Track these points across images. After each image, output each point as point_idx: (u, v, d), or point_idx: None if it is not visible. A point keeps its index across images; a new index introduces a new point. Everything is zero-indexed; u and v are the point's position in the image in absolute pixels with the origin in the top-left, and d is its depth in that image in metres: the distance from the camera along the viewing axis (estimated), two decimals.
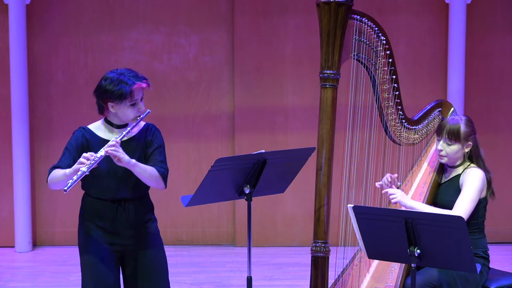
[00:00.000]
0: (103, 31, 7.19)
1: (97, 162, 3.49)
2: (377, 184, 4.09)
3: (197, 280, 6.13)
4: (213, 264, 6.64)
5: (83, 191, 3.81)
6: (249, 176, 3.55)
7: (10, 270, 6.53)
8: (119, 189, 3.67)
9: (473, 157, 4.01)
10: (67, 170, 3.53)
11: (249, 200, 3.61)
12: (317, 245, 3.71)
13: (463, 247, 3.15)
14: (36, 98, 7.19)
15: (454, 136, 3.95)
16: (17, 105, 6.98)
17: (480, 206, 3.95)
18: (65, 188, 3.43)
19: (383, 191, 4.01)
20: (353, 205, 3.33)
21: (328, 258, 3.74)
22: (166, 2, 7.20)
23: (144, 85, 3.66)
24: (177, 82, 7.25)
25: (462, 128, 3.96)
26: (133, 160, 3.57)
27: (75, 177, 3.44)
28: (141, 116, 3.67)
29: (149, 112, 3.69)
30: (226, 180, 3.50)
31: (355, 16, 3.76)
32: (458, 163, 4.03)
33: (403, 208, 4.03)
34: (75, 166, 3.49)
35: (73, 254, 6.98)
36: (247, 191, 3.57)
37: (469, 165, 4.00)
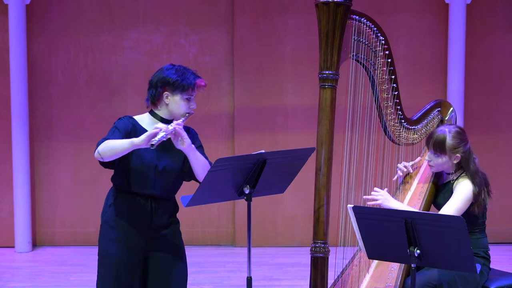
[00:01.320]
0: (103, 31, 7.20)
1: (168, 134, 3.49)
2: (394, 178, 4.14)
3: (197, 280, 6.13)
4: (213, 264, 6.64)
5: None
6: (249, 176, 3.54)
7: (10, 270, 6.53)
8: (157, 184, 3.66)
9: (464, 168, 3.98)
10: (135, 139, 3.48)
11: (249, 200, 3.61)
12: (317, 245, 3.70)
13: (463, 247, 3.15)
14: (36, 98, 7.19)
15: (439, 149, 3.94)
16: (17, 105, 6.98)
17: (479, 209, 3.95)
18: (153, 143, 3.40)
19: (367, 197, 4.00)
20: (353, 205, 3.33)
21: (327, 258, 3.73)
22: (166, 2, 7.20)
23: (203, 83, 3.74)
24: None
25: (448, 140, 3.93)
26: (193, 145, 3.62)
27: (160, 135, 3.42)
28: (190, 113, 3.72)
29: (193, 113, 3.75)
30: (226, 180, 3.50)
31: (354, 16, 3.75)
32: (450, 171, 4.03)
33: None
34: (150, 132, 3.45)
35: (73, 254, 7.00)
36: (247, 191, 3.57)
37: (462, 174, 3.99)
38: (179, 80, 3.65)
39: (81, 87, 7.24)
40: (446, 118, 4.33)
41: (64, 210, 7.28)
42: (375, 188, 3.98)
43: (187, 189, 6.87)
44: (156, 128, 3.47)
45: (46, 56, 7.19)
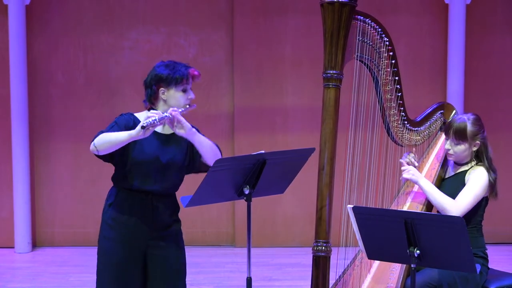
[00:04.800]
0: (103, 31, 7.19)
1: (162, 120, 3.52)
2: (401, 160, 4.15)
3: (197, 280, 6.13)
4: (212, 265, 6.64)
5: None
6: (249, 177, 3.54)
7: (9, 270, 6.53)
8: (158, 178, 3.66)
9: (480, 156, 4.01)
10: (132, 131, 3.49)
11: (248, 200, 3.60)
12: (319, 244, 3.70)
13: (462, 248, 3.15)
14: (36, 99, 7.18)
15: (460, 136, 3.96)
16: (17, 105, 6.98)
17: (481, 205, 3.96)
18: (143, 125, 3.44)
19: (401, 160, 4.09)
20: (352, 206, 3.33)
21: (329, 257, 3.73)
22: (166, 2, 7.20)
23: (196, 72, 3.78)
24: None
25: (469, 127, 3.96)
26: (194, 129, 3.65)
27: (150, 120, 3.45)
28: (190, 105, 3.73)
29: (195, 106, 3.76)
30: (225, 181, 3.50)
31: (359, 16, 3.76)
32: (465, 161, 4.04)
33: (405, 207, 4.05)
34: (145, 119, 3.50)
35: (72, 254, 6.99)
36: (246, 191, 3.56)
37: (476, 163, 4.01)
38: (171, 74, 3.69)
39: (81, 87, 7.24)
40: (449, 121, 4.32)
41: (64, 211, 7.28)
42: (403, 167, 4.02)
43: (187, 190, 6.88)
44: (150, 114, 3.52)
45: (46, 56, 7.19)
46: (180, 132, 3.59)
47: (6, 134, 7.13)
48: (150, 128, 3.48)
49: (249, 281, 3.67)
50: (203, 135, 3.77)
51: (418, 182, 3.99)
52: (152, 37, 7.22)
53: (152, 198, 3.69)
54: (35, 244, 7.29)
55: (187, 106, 3.72)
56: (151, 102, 3.75)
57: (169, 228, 3.75)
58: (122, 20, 7.19)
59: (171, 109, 3.60)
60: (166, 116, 3.55)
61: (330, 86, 3.71)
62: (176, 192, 3.82)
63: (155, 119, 3.48)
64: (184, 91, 3.72)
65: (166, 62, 3.77)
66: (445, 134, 4.06)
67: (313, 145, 3.79)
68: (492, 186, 3.97)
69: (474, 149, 4.00)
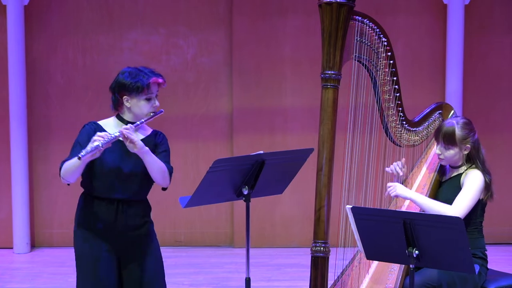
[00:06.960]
0: (101, 32, 7.19)
1: (111, 141, 3.49)
2: (386, 168, 4.13)
3: (196, 281, 6.13)
4: (211, 265, 6.64)
5: (80, 193, 3.79)
6: (248, 177, 3.54)
7: (8, 271, 6.52)
8: (121, 188, 3.65)
9: (472, 160, 4.00)
10: (80, 154, 3.48)
11: (247, 201, 3.61)
12: (317, 245, 3.70)
13: (461, 248, 3.15)
14: (35, 99, 7.18)
15: (449, 141, 3.95)
16: (16, 106, 6.98)
17: (479, 206, 3.96)
18: (80, 155, 3.41)
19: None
20: (351, 206, 3.33)
21: (328, 258, 3.73)
22: (165, 3, 7.20)
23: (160, 80, 3.71)
24: (175, 83, 7.25)
25: (457, 132, 3.95)
26: (146, 147, 3.58)
27: (89, 148, 3.43)
28: (156, 113, 3.69)
29: (162, 112, 3.71)
30: (224, 181, 3.50)
31: (357, 17, 3.76)
32: (459, 164, 4.03)
33: (403, 207, 4.05)
34: (90, 143, 3.47)
35: (71, 255, 6.92)
36: (245, 192, 3.57)
37: (470, 166, 4.00)
38: (132, 83, 3.64)
39: (80, 88, 7.24)
40: (439, 125, 4.32)
41: (62, 211, 7.27)
42: (388, 184, 4.00)
43: (185, 190, 6.88)
44: (94, 140, 3.47)
45: (44, 57, 7.19)
46: (133, 150, 3.55)
47: (5, 134, 7.13)
48: (100, 148, 3.43)
49: (248, 281, 3.67)
50: (165, 158, 3.71)
51: (407, 198, 3.95)
52: (151, 38, 7.22)
53: (118, 204, 3.69)
54: (33, 244, 7.29)
55: (152, 113, 3.68)
56: (116, 108, 3.73)
57: (139, 230, 3.73)
58: (121, 21, 7.20)
59: (123, 127, 3.55)
60: (114, 136, 3.50)
61: (328, 86, 3.71)
62: (147, 197, 3.80)
63: (98, 145, 3.43)
64: (148, 99, 3.68)
65: (130, 68, 3.72)
66: (435, 139, 4.05)
67: (312, 145, 3.79)
68: (487, 188, 3.95)
69: (465, 152, 3.99)
